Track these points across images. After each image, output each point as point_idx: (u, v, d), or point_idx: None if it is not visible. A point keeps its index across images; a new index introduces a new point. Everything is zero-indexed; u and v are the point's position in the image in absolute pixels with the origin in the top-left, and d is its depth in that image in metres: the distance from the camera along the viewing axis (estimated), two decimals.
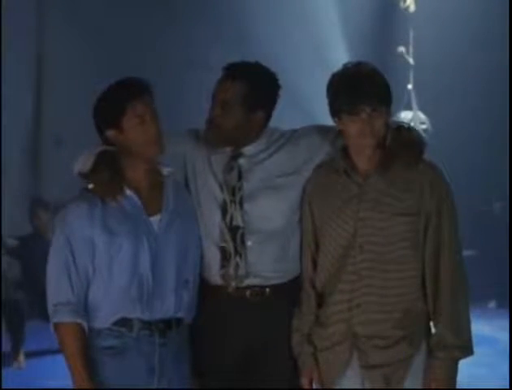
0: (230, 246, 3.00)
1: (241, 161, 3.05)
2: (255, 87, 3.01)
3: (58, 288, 2.83)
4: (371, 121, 2.85)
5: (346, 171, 2.93)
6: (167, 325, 2.87)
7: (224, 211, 3.02)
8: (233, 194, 3.02)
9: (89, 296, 2.84)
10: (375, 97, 2.85)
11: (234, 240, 3.00)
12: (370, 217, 2.89)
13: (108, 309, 2.83)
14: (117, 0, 9.52)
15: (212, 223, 3.03)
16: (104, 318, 2.83)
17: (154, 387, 2.86)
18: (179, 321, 2.91)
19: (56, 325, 2.82)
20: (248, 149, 3.06)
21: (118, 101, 2.85)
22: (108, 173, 2.86)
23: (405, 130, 2.96)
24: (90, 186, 2.85)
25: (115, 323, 2.84)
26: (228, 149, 3.06)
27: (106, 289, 2.83)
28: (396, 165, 2.90)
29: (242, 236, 3.00)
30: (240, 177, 3.04)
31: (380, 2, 10.58)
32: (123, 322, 2.83)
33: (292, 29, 10.02)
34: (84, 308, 2.83)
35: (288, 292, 3.04)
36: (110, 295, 2.83)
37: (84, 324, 2.82)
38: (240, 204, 3.01)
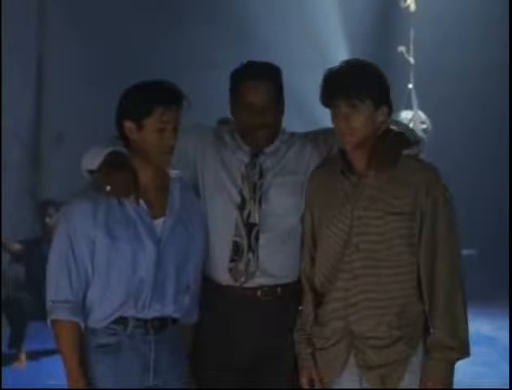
0: (244, 242, 3.01)
1: (262, 158, 3.07)
2: (280, 84, 3.06)
3: (57, 285, 2.82)
4: (349, 117, 2.82)
5: (343, 170, 2.93)
6: (163, 323, 2.87)
7: (242, 207, 3.02)
8: (254, 191, 3.03)
9: (87, 296, 2.84)
10: (354, 91, 2.80)
11: (249, 236, 3.01)
12: (365, 216, 2.88)
13: (105, 310, 2.83)
14: (118, 0, 9.52)
15: (225, 217, 3.03)
16: (101, 319, 2.83)
17: (149, 384, 2.86)
18: (175, 320, 2.91)
19: (53, 322, 2.83)
20: (268, 148, 3.08)
21: (149, 99, 2.81)
22: (125, 173, 2.84)
23: (390, 132, 2.92)
24: (107, 188, 2.81)
25: (111, 322, 2.84)
26: (247, 146, 3.08)
27: (104, 291, 2.83)
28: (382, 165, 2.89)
29: (257, 233, 3.02)
30: (261, 175, 3.05)
31: (381, 1, 10.58)
32: (119, 320, 2.84)
33: (293, 29, 10.02)
34: (82, 306, 2.83)
35: (299, 292, 3.05)
36: (108, 297, 2.83)
37: (81, 323, 2.82)
38: (260, 202, 3.03)
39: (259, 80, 3.01)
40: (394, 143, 2.90)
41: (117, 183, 2.82)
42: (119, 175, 2.83)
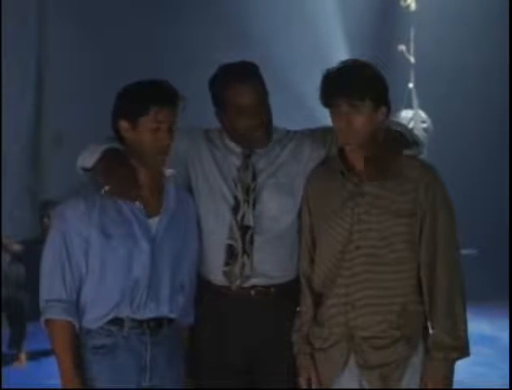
0: (238, 245, 3.00)
1: (254, 159, 3.06)
2: (264, 81, 3.04)
3: (51, 285, 2.82)
4: (349, 117, 2.82)
5: (342, 171, 2.93)
6: (159, 324, 2.86)
7: (236, 209, 3.01)
8: (247, 193, 3.02)
9: (81, 296, 2.83)
10: (354, 91, 2.80)
11: (243, 239, 3.00)
12: (366, 217, 2.88)
13: (100, 310, 2.82)
14: (118, 0, 9.52)
15: (219, 220, 3.02)
16: (96, 319, 2.82)
17: (146, 385, 2.85)
18: (171, 321, 2.90)
19: (47, 321, 2.82)
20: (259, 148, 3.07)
21: (144, 99, 2.80)
22: (123, 172, 2.83)
23: (390, 135, 2.92)
24: (106, 188, 2.81)
25: (106, 322, 2.83)
26: (239, 148, 3.07)
27: (98, 291, 2.82)
28: (387, 166, 2.89)
29: (252, 236, 3.00)
30: (254, 177, 3.04)
31: (381, 1, 10.58)
32: (114, 321, 2.83)
33: (293, 29, 10.02)
34: (76, 306, 2.82)
35: (293, 291, 3.04)
36: (103, 297, 2.82)
37: (75, 322, 2.81)
38: (254, 204, 3.01)
39: (248, 81, 2.99)
40: (395, 150, 2.90)
41: (116, 183, 2.81)
42: (118, 174, 2.82)
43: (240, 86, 2.98)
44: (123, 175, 2.83)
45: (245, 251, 2.99)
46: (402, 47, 9.42)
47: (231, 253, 3.00)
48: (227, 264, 3.00)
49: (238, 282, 3.00)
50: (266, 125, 3.04)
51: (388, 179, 2.88)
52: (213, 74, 3.06)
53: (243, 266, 2.99)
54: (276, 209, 3.03)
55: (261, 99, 3.00)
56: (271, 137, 3.08)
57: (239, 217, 3.01)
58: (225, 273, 3.01)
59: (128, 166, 2.86)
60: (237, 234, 3.00)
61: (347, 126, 2.83)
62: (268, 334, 3.04)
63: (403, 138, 2.94)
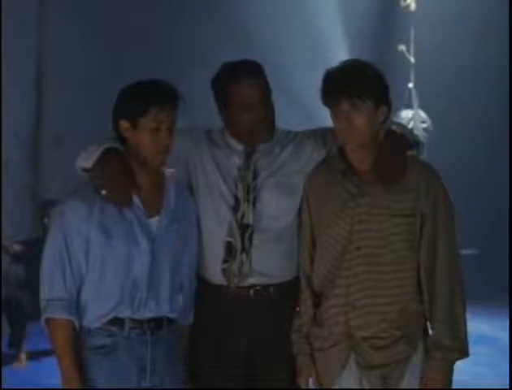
0: (237, 243, 3.00)
1: (255, 158, 3.06)
2: (267, 80, 3.06)
3: (51, 284, 2.82)
4: (350, 117, 2.82)
5: (343, 171, 2.93)
6: (159, 324, 2.87)
7: (236, 208, 3.02)
8: (248, 192, 3.03)
9: (81, 295, 2.84)
10: (354, 90, 2.81)
11: (242, 237, 3.00)
12: (366, 217, 2.88)
13: (100, 310, 2.82)
14: (118, 0, 9.52)
15: (219, 219, 3.03)
16: (95, 319, 2.83)
17: (146, 385, 2.85)
18: (171, 321, 2.90)
19: (47, 320, 2.82)
20: (261, 146, 3.08)
21: (144, 99, 2.81)
22: (119, 178, 2.83)
23: (394, 136, 2.92)
24: (103, 193, 2.82)
25: (106, 322, 2.83)
26: (241, 147, 3.07)
27: (98, 290, 2.82)
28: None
29: (251, 234, 3.01)
30: (255, 176, 3.04)
31: (381, 1, 10.59)
32: (115, 321, 2.83)
33: (293, 29, 10.02)
34: (77, 306, 2.83)
35: (292, 291, 3.04)
36: (103, 296, 2.82)
37: (76, 322, 2.81)
38: (254, 203, 3.02)
39: (252, 78, 3.01)
40: (399, 154, 2.90)
41: (112, 188, 2.82)
42: (115, 180, 2.82)
43: (244, 82, 3.00)
44: (119, 181, 2.83)
45: (243, 249, 3.00)
46: (402, 47, 9.41)
47: (229, 250, 3.01)
48: (225, 261, 3.01)
49: (236, 281, 3.00)
50: (269, 121, 3.05)
51: (393, 182, 2.87)
52: (216, 72, 3.08)
53: (241, 264, 3.00)
54: (276, 208, 3.04)
55: (264, 95, 3.02)
56: (272, 134, 3.09)
57: (239, 215, 3.02)
58: (223, 271, 3.01)
59: (126, 169, 2.86)
60: (237, 232, 3.01)
61: (348, 125, 2.83)
62: (267, 334, 3.04)
63: (404, 139, 2.94)
